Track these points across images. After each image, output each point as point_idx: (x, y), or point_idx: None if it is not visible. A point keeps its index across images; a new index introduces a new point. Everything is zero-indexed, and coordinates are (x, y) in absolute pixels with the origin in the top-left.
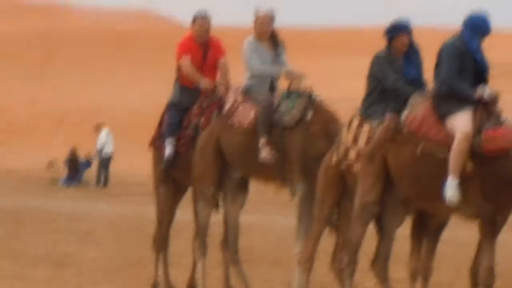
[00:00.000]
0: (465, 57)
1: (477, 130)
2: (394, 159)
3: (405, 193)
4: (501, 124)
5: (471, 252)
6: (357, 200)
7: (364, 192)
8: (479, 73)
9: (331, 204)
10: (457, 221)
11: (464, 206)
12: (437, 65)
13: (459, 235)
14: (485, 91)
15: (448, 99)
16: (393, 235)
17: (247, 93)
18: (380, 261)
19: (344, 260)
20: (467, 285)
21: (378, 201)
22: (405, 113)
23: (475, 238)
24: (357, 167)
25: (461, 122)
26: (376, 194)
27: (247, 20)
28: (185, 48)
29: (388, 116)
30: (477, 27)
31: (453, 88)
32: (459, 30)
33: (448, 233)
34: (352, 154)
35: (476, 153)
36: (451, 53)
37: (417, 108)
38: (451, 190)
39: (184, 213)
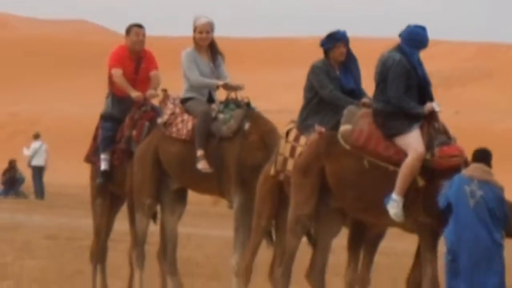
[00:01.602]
0: (411, 74)
1: (427, 146)
2: (336, 172)
3: (349, 205)
4: (453, 141)
5: (408, 262)
6: (292, 213)
7: (298, 205)
8: (422, 87)
9: (269, 215)
10: (394, 232)
11: (408, 220)
12: (381, 82)
13: (396, 246)
14: (434, 107)
15: (396, 118)
16: (329, 246)
17: (185, 104)
18: (316, 272)
19: (279, 272)
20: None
21: (312, 214)
22: (345, 128)
23: (412, 249)
24: None
25: (413, 142)
26: (311, 206)
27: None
28: (117, 59)
29: (317, 130)
30: (416, 40)
31: (402, 107)
32: (398, 43)
33: (385, 244)
34: (290, 165)
35: (427, 170)
36: (399, 72)
37: (360, 124)
38: (395, 208)
39: (121, 224)
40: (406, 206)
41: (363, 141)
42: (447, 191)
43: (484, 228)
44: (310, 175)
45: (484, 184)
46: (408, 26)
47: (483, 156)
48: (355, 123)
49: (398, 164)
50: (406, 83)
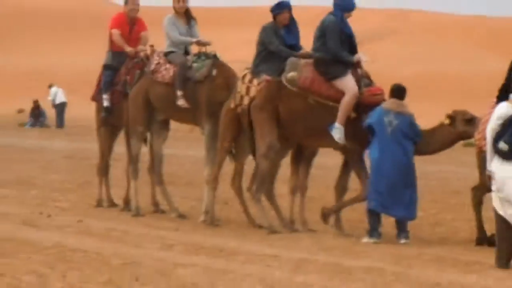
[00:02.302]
0: (342, 31)
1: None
2: (287, 109)
3: (296, 134)
4: (373, 83)
5: (335, 174)
6: (261, 142)
7: (264, 135)
8: (350, 42)
9: (230, 139)
10: (325, 150)
11: (343, 143)
12: (320, 37)
13: (327, 161)
14: (361, 57)
15: (333, 65)
16: (279, 164)
17: (167, 56)
18: (267, 183)
19: (254, 188)
20: (333, 198)
21: (276, 140)
22: (292, 75)
23: (338, 164)
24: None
25: (349, 84)
26: (275, 135)
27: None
28: (116, 22)
29: (265, 78)
30: (344, 7)
31: (339, 56)
32: (332, 9)
33: (318, 160)
34: (245, 101)
35: (356, 105)
36: (334, 29)
37: (304, 71)
38: (338, 133)
39: (119, 147)
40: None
41: (309, 84)
42: (368, 119)
43: (400, 150)
44: (267, 112)
45: (398, 114)
46: None
47: (398, 92)
48: (300, 70)
49: (336, 101)
50: (339, 38)
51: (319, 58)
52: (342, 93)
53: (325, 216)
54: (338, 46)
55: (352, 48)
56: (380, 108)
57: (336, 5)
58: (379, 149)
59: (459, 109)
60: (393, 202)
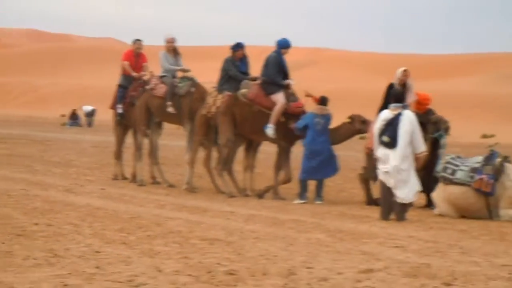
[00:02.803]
0: (279, 64)
1: (287, 101)
2: (240, 114)
3: (246, 131)
4: (298, 99)
5: (273, 157)
6: (222, 136)
7: (225, 131)
8: (284, 72)
9: (202, 134)
10: (266, 143)
11: (275, 138)
12: (265, 67)
13: (267, 149)
14: (290, 81)
15: (272, 86)
16: (236, 150)
17: (161, 78)
18: (228, 163)
19: (219, 167)
20: (273, 175)
21: (233, 135)
22: (244, 91)
23: (274, 151)
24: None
25: (280, 98)
26: (232, 132)
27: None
28: (126, 56)
29: (227, 94)
30: (283, 46)
31: (275, 80)
32: (275, 48)
33: (262, 148)
34: (213, 109)
35: (285, 113)
36: (274, 62)
37: (252, 88)
38: (271, 131)
39: (129, 139)
40: (275, 131)
41: (254, 97)
42: (302, 122)
43: (325, 141)
44: (227, 116)
45: (323, 116)
46: (280, 38)
47: (323, 101)
48: (250, 88)
49: (271, 110)
50: (277, 68)
51: (263, 80)
52: (275, 105)
53: (260, 195)
54: (275, 73)
55: (285, 75)
56: (310, 113)
57: (277, 44)
58: (311, 139)
59: (357, 113)
60: (320, 171)
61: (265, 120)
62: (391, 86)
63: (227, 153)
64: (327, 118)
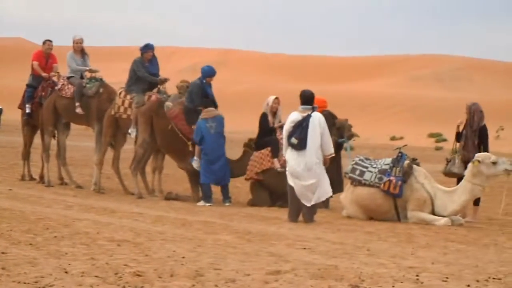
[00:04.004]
0: (203, 91)
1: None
2: (157, 123)
3: (159, 143)
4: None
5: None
6: (140, 137)
7: (142, 133)
8: (208, 97)
9: (110, 135)
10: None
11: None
12: (189, 94)
13: None
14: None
15: (194, 114)
16: (151, 152)
17: (69, 79)
18: (140, 164)
19: (133, 167)
20: (181, 175)
21: (149, 136)
22: (169, 104)
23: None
24: (124, 116)
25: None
26: (149, 133)
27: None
28: (36, 56)
29: (154, 96)
30: (206, 74)
31: (197, 106)
32: (200, 75)
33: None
34: (121, 110)
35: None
36: (197, 89)
37: (176, 107)
38: (196, 164)
39: (37, 139)
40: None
41: (174, 116)
42: (196, 133)
43: (220, 143)
44: (146, 118)
45: (213, 119)
46: (205, 66)
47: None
48: (175, 105)
49: (184, 135)
50: (201, 94)
51: (186, 106)
52: (190, 132)
53: (167, 198)
54: (198, 99)
55: (212, 102)
56: (200, 121)
57: (202, 72)
58: (209, 145)
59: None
60: (221, 176)
61: (175, 139)
62: (263, 116)
63: (142, 154)
64: (218, 119)
